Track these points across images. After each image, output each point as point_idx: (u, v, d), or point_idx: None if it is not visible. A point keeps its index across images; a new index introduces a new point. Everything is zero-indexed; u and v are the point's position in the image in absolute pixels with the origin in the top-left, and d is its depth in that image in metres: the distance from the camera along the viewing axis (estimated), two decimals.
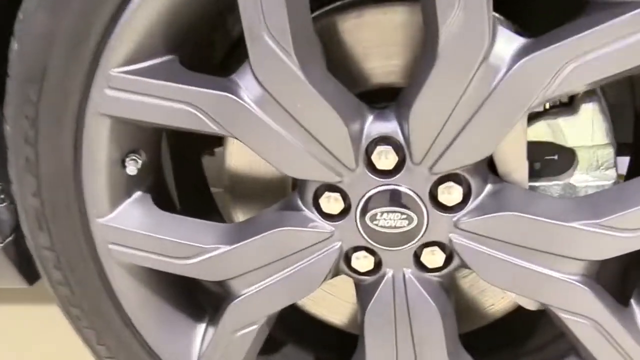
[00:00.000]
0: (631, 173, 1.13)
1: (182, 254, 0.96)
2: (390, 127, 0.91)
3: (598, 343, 0.94)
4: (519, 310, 1.07)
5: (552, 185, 0.96)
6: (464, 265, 0.97)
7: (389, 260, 0.95)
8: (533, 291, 0.94)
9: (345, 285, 1.08)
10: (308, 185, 0.95)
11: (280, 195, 1.05)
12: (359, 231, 0.94)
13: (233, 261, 0.95)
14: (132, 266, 1.00)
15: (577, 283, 0.92)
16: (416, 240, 0.94)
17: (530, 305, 1.00)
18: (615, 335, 0.93)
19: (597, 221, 0.88)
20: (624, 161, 1.09)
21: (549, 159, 0.96)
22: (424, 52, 0.89)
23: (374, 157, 0.91)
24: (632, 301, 0.97)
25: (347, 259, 0.97)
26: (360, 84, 0.98)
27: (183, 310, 1.04)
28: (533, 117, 0.94)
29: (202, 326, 1.05)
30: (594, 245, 0.89)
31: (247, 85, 0.88)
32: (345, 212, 0.93)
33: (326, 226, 0.94)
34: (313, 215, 0.94)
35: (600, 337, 0.94)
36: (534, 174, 0.96)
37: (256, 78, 0.88)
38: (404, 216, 0.93)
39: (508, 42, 0.84)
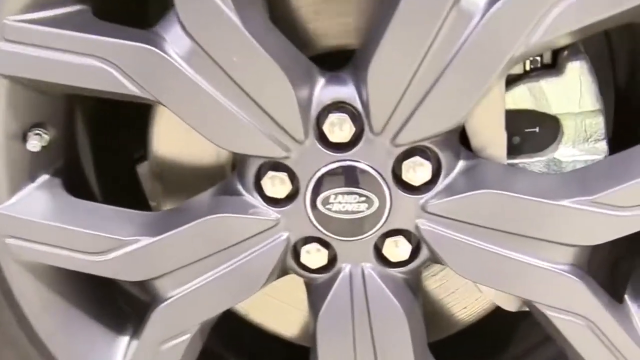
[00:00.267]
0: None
1: (94, 249, 0.84)
2: (345, 91, 0.80)
3: (591, 345, 0.82)
4: (496, 313, 0.97)
5: (533, 162, 0.85)
6: (433, 258, 0.85)
7: (345, 254, 0.85)
8: (515, 285, 0.82)
9: (295, 289, 0.97)
10: (248, 164, 0.83)
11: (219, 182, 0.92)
12: (310, 218, 0.83)
13: (157, 256, 0.84)
14: (35, 264, 0.87)
15: (566, 274, 0.81)
16: (377, 228, 0.83)
17: (511, 306, 0.89)
18: (611, 336, 0.82)
19: (590, 198, 0.77)
20: None
21: (530, 132, 0.85)
22: None
23: (326, 128, 0.80)
24: (627, 297, 0.86)
25: (296, 253, 0.86)
26: (308, 46, 0.85)
27: (101, 319, 0.93)
28: (511, 82, 0.83)
29: (124, 339, 0.93)
30: (587, 227, 0.78)
31: (172, 37, 0.77)
32: (292, 195, 0.83)
33: (270, 213, 0.83)
34: (254, 199, 0.83)
35: (594, 339, 0.82)
36: (512, 150, 0.85)
37: (183, 27, 0.76)
38: (363, 199, 0.82)
39: None
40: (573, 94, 0.81)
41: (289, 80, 0.76)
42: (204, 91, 0.77)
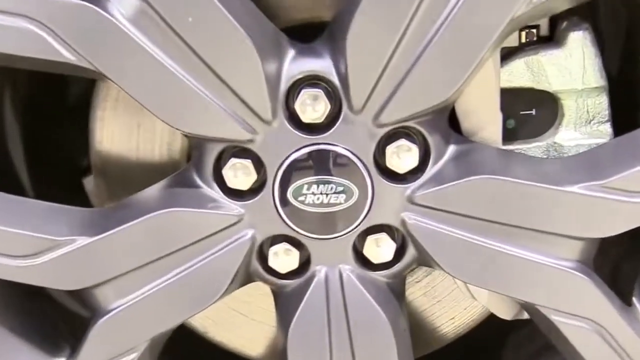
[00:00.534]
0: None
1: (19, 251, 0.74)
2: (320, 64, 0.71)
3: (602, 353, 0.74)
4: (487, 324, 0.90)
5: (531, 148, 0.78)
6: (420, 258, 0.76)
7: (320, 255, 0.77)
8: (516, 286, 0.74)
9: (261, 299, 0.89)
10: (206, 149, 0.74)
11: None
12: (278, 213, 0.75)
13: (97, 260, 0.75)
14: None
15: (574, 272, 0.72)
16: (357, 224, 0.75)
17: (506, 312, 0.82)
18: (623, 343, 0.74)
19: (601, 182, 0.70)
20: None
21: (526, 115, 0.78)
22: None
23: (297, 106, 0.71)
24: (635, 300, 0.78)
25: (262, 255, 0.77)
26: (278, 19, 0.77)
27: (30, 338, 0.82)
28: (506, 56, 0.76)
29: None
30: (598, 216, 0.71)
31: None
32: (258, 186, 0.74)
33: (232, 207, 0.75)
34: (213, 192, 0.75)
35: (604, 346, 0.74)
36: (506, 135, 0.77)
37: None
38: (340, 189, 0.73)
39: None
40: (576, 69, 0.74)
41: (255, 48, 0.67)
42: (154, 59, 0.68)
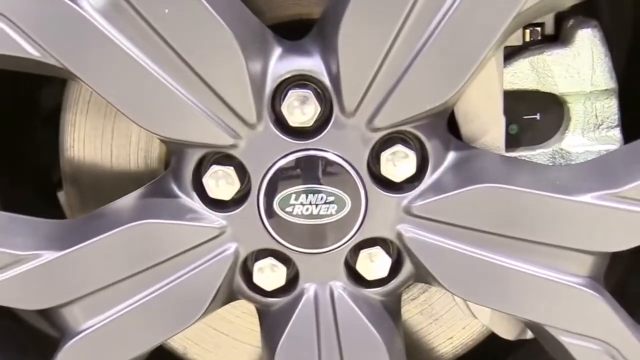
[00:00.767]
0: None
1: None
2: (309, 63, 0.67)
3: None
4: (486, 344, 0.85)
5: (536, 155, 0.74)
6: (417, 274, 0.72)
7: (309, 271, 0.73)
8: (521, 304, 0.70)
9: (246, 320, 0.85)
10: (185, 156, 0.70)
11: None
12: (264, 225, 0.71)
13: (65, 276, 0.71)
14: None
15: (585, 289, 0.68)
16: (349, 237, 0.71)
17: (509, 332, 0.77)
18: None
19: (614, 191, 0.65)
20: None
21: (529, 119, 0.74)
22: None
23: (285, 108, 0.67)
24: None
25: (246, 272, 0.73)
26: (264, 16, 0.73)
27: None
28: (509, 56, 0.71)
29: None
30: (612, 228, 0.66)
31: None
32: (242, 196, 0.71)
33: (213, 219, 0.71)
34: (193, 202, 0.71)
35: None
36: (509, 142, 0.73)
37: None
38: (331, 199, 0.69)
39: None
40: (585, 69, 0.70)
41: (238, 45, 0.63)
42: (127, 56, 0.63)
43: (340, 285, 0.72)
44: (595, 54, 0.70)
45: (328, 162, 0.67)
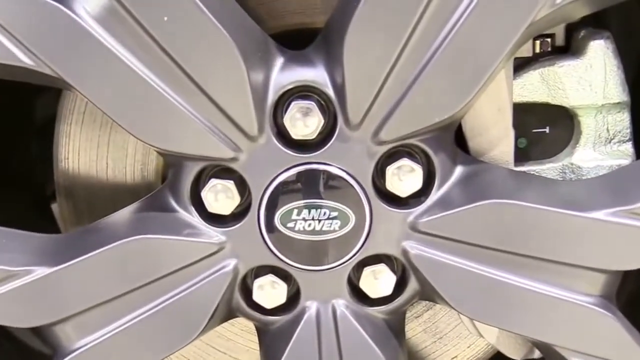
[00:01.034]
0: None
1: None
2: (312, 73, 0.65)
3: None
4: None
5: (545, 170, 0.72)
6: (423, 293, 0.70)
7: (311, 289, 0.71)
8: (530, 324, 0.68)
9: (245, 339, 0.83)
10: (184, 169, 0.68)
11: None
12: (264, 241, 0.69)
13: (58, 293, 0.69)
14: None
15: (597, 309, 0.66)
16: (352, 254, 0.69)
17: (517, 352, 0.75)
18: None
19: (627, 208, 0.63)
20: None
21: (538, 133, 0.72)
22: None
23: (287, 120, 0.65)
24: None
25: (246, 289, 0.71)
26: (266, 24, 0.71)
27: None
28: (519, 67, 0.70)
29: None
30: (625, 245, 0.64)
31: None
32: (242, 211, 0.69)
33: (212, 234, 0.69)
34: (191, 217, 0.69)
35: None
36: (517, 156, 0.71)
37: None
38: (334, 214, 0.67)
39: None
40: (597, 81, 0.68)
41: (239, 54, 0.61)
42: (124, 65, 0.62)
43: (342, 304, 0.70)
44: (607, 66, 0.68)
45: (331, 176, 0.66)
